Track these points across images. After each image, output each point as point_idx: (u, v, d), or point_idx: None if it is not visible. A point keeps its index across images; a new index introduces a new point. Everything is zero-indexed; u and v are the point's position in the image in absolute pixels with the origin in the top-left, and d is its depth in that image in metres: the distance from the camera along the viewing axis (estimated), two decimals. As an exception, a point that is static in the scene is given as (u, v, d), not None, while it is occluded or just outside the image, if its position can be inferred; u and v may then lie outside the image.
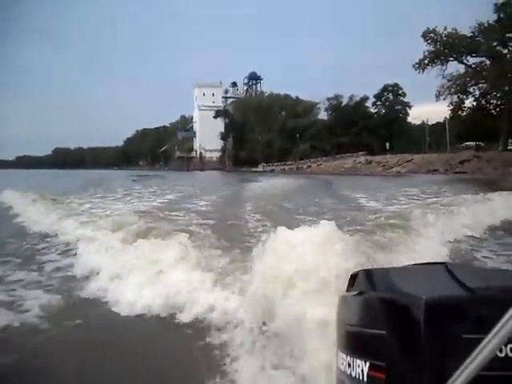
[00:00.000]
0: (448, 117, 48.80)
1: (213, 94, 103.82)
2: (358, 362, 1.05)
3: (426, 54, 42.86)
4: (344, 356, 1.11)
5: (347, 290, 1.26)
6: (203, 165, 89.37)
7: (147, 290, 4.30)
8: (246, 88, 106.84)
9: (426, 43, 42.72)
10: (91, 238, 6.50)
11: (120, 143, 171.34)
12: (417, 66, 43.52)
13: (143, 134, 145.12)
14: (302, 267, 2.84)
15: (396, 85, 73.20)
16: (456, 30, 41.95)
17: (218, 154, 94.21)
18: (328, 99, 78.59)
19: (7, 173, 66.48)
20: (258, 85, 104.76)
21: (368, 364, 1.02)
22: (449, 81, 41.91)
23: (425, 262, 1.28)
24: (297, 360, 2.57)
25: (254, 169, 69.51)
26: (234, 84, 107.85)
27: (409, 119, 76.34)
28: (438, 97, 43.70)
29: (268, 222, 8.53)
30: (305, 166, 66.50)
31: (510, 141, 46.15)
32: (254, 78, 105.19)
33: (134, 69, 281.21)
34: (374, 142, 68.48)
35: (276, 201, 14.09)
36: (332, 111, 78.39)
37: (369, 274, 1.19)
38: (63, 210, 9.95)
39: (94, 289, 4.63)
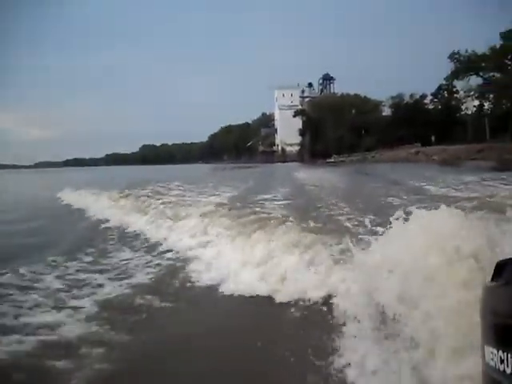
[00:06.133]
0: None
1: (291, 95, 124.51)
2: None
3: (453, 69, 60.94)
4: (494, 351, 1.07)
5: (492, 280, 1.22)
6: (285, 157, 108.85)
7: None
8: (320, 88, 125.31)
9: (452, 62, 60.95)
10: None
11: (204, 139, 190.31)
12: (446, 79, 61.89)
13: (227, 130, 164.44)
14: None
15: (450, 83, 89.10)
16: (474, 51, 59.55)
17: (296, 148, 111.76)
18: (392, 97, 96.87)
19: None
20: (332, 85, 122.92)
21: None
22: (464, 92, 59.73)
23: None
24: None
25: (327, 160, 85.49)
26: (310, 84, 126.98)
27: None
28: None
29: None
30: (369, 157, 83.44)
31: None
32: (327, 78, 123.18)
33: (217, 69, 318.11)
34: (429, 135, 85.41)
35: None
36: (395, 108, 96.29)
37: None
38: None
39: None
